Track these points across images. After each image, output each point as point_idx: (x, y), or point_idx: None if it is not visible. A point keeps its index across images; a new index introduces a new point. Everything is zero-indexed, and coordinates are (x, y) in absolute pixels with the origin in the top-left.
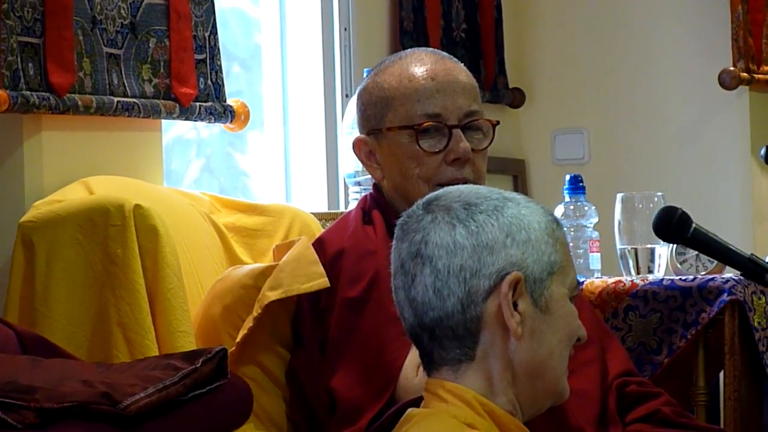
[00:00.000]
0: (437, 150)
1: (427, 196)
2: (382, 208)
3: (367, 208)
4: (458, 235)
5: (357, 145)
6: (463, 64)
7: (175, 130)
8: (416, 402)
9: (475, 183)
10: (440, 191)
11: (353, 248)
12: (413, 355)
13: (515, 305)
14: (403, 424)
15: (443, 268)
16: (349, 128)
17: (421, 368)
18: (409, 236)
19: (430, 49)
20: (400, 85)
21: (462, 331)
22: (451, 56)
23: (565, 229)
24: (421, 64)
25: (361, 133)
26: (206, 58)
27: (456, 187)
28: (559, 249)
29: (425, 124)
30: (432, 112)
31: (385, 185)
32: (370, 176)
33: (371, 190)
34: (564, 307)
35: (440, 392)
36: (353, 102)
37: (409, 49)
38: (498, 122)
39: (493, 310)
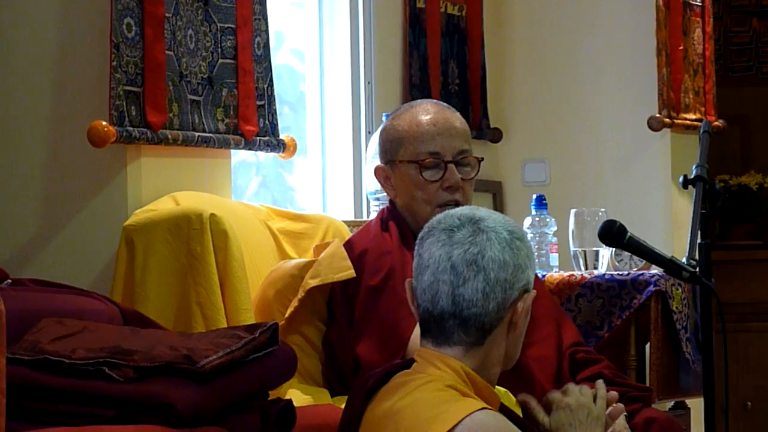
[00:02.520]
0: (436, 179)
1: (469, 216)
2: (396, 219)
3: (384, 218)
4: (506, 255)
5: (377, 172)
6: (458, 113)
7: (240, 155)
8: (406, 364)
9: (463, 204)
10: (482, 213)
11: (374, 249)
12: (418, 330)
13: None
14: (400, 385)
15: (494, 279)
16: (371, 157)
17: None
18: (463, 246)
19: (434, 101)
20: (410, 129)
21: (488, 326)
22: (450, 106)
23: (530, 235)
24: (426, 113)
25: (380, 162)
26: (265, 103)
27: (493, 212)
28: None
29: (427, 161)
30: (433, 150)
31: (398, 203)
32: (386, 194)
33: (388, 205)
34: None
35: (437, 363)
36: (375, 138)
37: (419, 100)
38: (482, 159)
39: (510, 315)
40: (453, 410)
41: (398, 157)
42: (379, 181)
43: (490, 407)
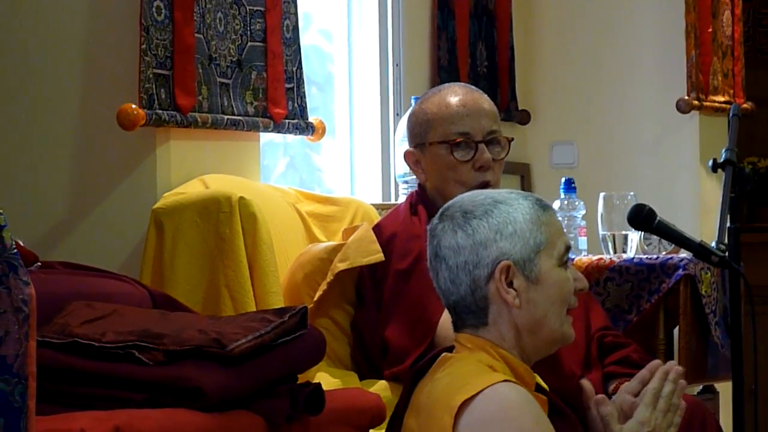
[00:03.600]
0: (467, 159)
1: (444, 207)
2: (425, 203)
3: (413, 202)
4: (459, 239)
5: (407, 156)
6: (486, 95)
7: (267, 135)
8: (449, 349)
9: (494, 185)
10: (449, 202)
11: (403, 232)
12: (447, 314)
13: (511, 284)
14: (439, 364)
15: (453, 265)
16: (399, 140)
17: None
18: (432, 240)
19: (462, 83)
20: (439, 111)
21: (474, 307)
22: (478, 89)
23: (559, 218)
24: (455, 95)
25: (409, 146)
26: (294, 86)
27: (459, 197)
28: (545, 230)
29: (458, 140)
30: (463, 131)
31: (428, 186)
32: (415, 177)
33: (417, 188)
34: (553, 275)
35: (466, 343)
36: (403, 121)
37: (447, 84)
38: (512, 139)
39: (495, 290)
40: (477, 381)
41: (428, 139)
42: (409, 166)
43: (514, 380)
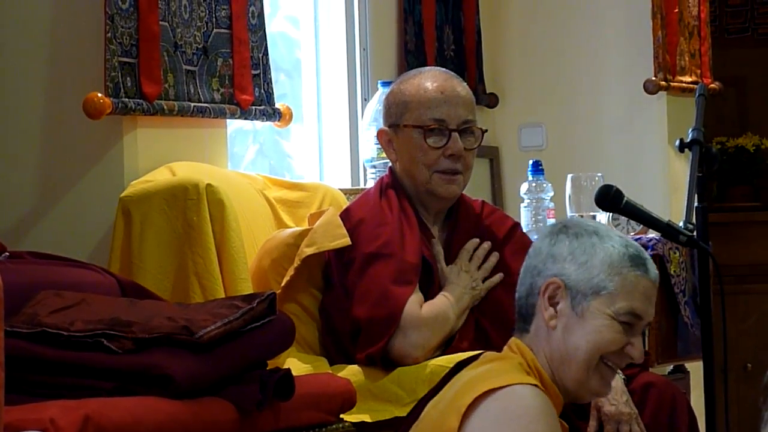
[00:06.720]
0: (439, 146)
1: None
2: (395, 188)
3: (383, 187)
4: (543, 244)
5: (380, 135)
6: (465, 83)
7: (235, 122)
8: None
9: (463, 173)
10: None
11: (371, 218)
12: (417, 296)
13: (556, 304)
14: (481, 361)
15: (527, 265)
16: (367, 125)
17: (424, 304)
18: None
19: (443, 69)
20: (416, 94)
21: (524, 311)
22: (457, 76)
23: (527, 201)
24: (434, 80)
25: (384, 125)
26: (260, 72)
27: (584, 220)
28: (618, 281)
29: (432, 126)
30: (438, 117)
31: (398, 167)
32: (383, 161)
33: (387, 173)
34: (600, 321)
35: (513, 346)
36: (371, 105)
37: (427, 67)
38: (486, 130)
39: (541, 303)
40: (503, 378)
41: (403, 121)
42: (381, 144)
43: (540, 386)
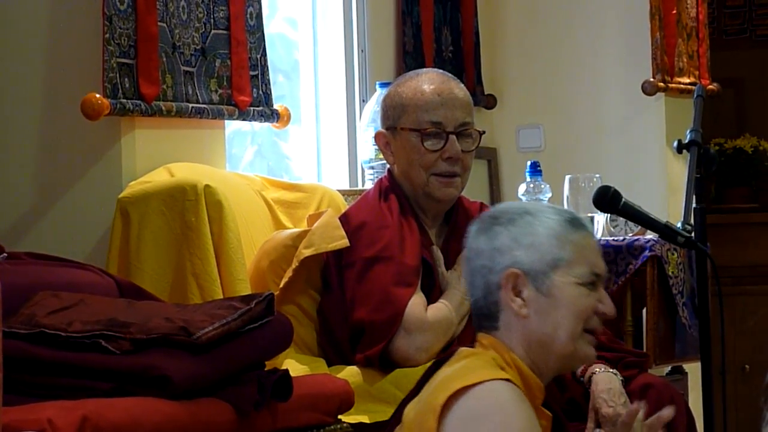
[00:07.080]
0: (436, 149)
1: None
2: (395, 190)
3: (383, 189)
4: (481, 242)
5: (377, 137)
6: (462, 85)
7: (235, 124)
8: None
9: (461, 176)
10: (501, 206)
11: (372, 222)
12: (420, 298)
13: (520, 293)
14: (456, 358)
15: (472, 267)
16: (365, 126)
17: (428, 307)
18: (465, 241)
19: (440, 71)
20: (414, 96)
21: (487, 311)
22: (455, 78)
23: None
24: (431, 83)
25: (381, 127)
26: (258, 74)
27: (505, 203)
28: (569, 248)
29: (429, 129)
30: (435, 120)
31: (395, 169)
32: (381, 162)
33: (386, 175)
34: (567, 291)
35: (482, 340)
36: (369, 106)
37: (425, 69)
38: (484, 132)
39: (505, 297)
40: (476, 374)
41: (400, 123)
42: (379, 147)
43: (513, 381)
